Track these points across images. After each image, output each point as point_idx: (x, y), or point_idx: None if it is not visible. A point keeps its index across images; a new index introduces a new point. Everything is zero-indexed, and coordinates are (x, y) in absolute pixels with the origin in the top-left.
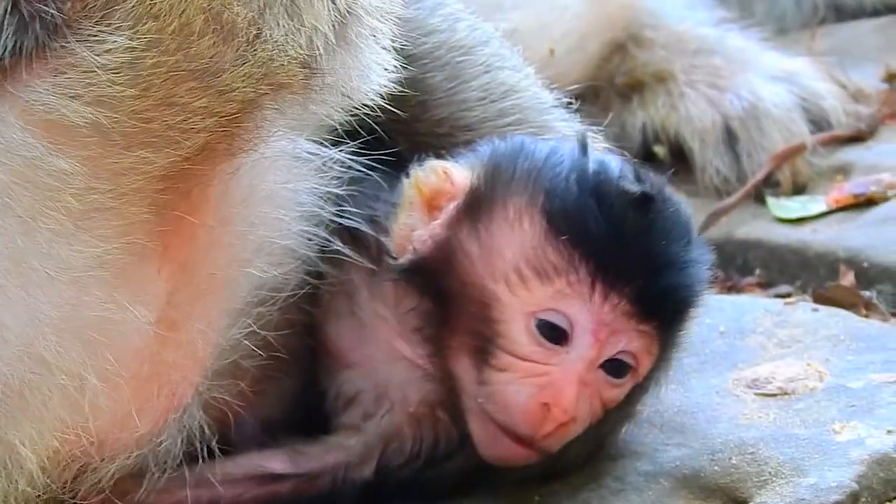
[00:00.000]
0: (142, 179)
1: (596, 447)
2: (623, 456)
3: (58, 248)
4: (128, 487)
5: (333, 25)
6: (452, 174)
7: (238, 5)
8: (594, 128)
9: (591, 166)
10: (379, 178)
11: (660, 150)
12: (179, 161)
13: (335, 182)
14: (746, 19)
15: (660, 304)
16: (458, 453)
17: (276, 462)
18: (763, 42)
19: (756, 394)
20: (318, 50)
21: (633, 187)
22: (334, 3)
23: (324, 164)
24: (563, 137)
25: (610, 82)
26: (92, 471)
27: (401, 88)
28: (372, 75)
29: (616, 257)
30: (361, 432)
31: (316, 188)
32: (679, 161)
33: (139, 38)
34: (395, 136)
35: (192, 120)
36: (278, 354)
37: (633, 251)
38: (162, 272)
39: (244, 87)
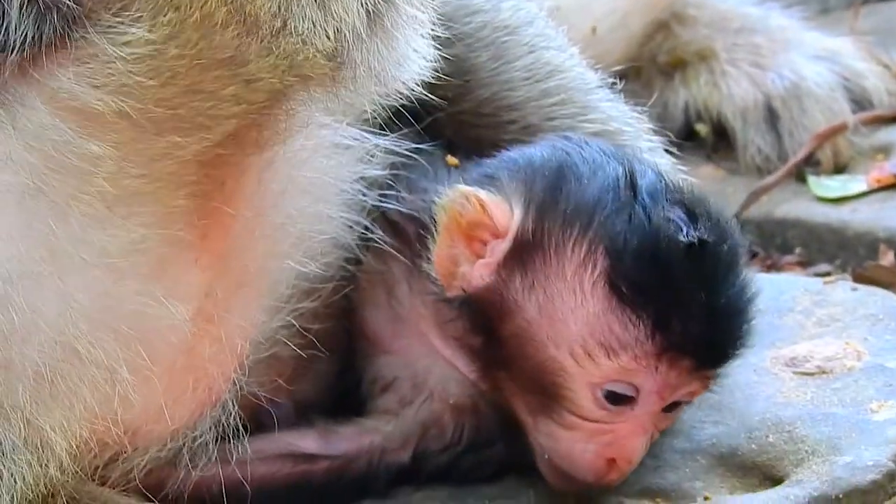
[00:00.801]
0: (175, 165)
1: None
2: (660, 433)
3: (93, 234)
4: (162, 475)
5: (367, 14)
6: (490, 208)
7: None
8: (637, 108)
9: (644, 214)
10: (423, 163)
11: (702, 128)
12: (211, 147)
13: (378, 168)
14: None
15: (720, 353)
16: (498, 441)
17: (308, 441)
18: (805, 21)
19: (794, 372)
20: (348, 41)
21: (688, 237)
22: None
23: (366, 152)
24: (607, 119)
25: (652, 61)
26: (124, 460)
27: (446, 69)
28: (410, 64)
29: (679, 320)
30: (399, 417)
31: (358, 176)
32: (721, 139)
33: (159, 30)
34: (438, 116)
35: (220, 107)
36: (316, 340)
37: (693, 308)
38: (199, 263)
39: (270, 78)
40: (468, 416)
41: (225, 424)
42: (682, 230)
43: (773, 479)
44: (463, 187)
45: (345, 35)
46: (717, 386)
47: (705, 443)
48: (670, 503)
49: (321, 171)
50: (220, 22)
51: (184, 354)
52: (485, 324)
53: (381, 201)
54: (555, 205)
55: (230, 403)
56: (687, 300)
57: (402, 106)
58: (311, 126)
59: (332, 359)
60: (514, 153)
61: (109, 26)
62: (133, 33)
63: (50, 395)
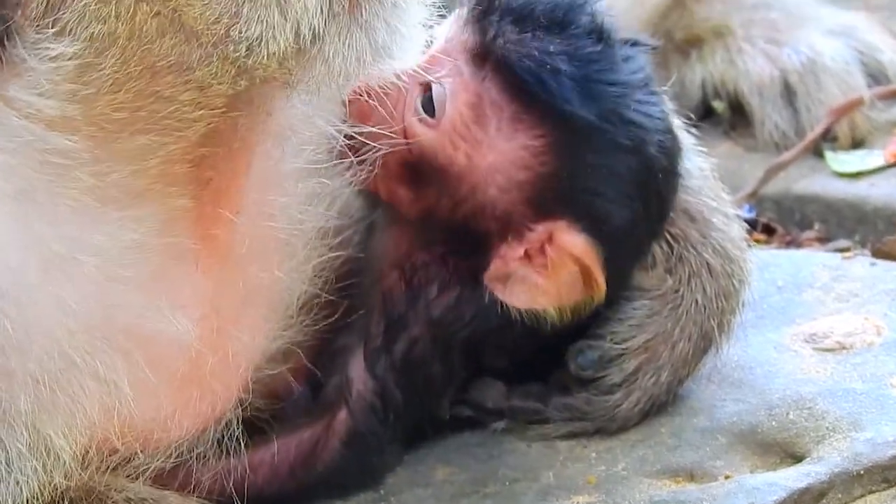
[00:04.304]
0: (161, 162)
1: (651, 402)
2: (680, 412)
3: (88, 235)
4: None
5: (330, 12)
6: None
7: (200, 6)
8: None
9: None
10: None
11: (719, 105)
12: (192, 147)
13: None
14: None
15: (494, 63)
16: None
17: (305, 412)
18: None
19: (814, 348)
20: (306, 42)
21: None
22: None
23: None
24: None
25: (669, 38)
26: (128, 465)
27: None
28: (394, 51)
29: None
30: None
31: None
32: (738, 116)
33: (85, 44)
34: None
35: (183, 111)
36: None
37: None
38: (202, 271)
39: (218, 84)
40: (386, 298)
41: (228, 442)
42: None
43: (793, 457)
44: None
45: (303, 36)
46: (736, 363)
47: (725, 421)
48: (691, 482)
49: (324, 166)
50: (154, 33)
51: (187, 366)
52: None
53: None
54: None
55: (234, 422)
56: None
57: None
58: (300, 121)
59: (349, 336)
60: None
61: (34, 43)
62: (57, 49)
63: (52, 404)
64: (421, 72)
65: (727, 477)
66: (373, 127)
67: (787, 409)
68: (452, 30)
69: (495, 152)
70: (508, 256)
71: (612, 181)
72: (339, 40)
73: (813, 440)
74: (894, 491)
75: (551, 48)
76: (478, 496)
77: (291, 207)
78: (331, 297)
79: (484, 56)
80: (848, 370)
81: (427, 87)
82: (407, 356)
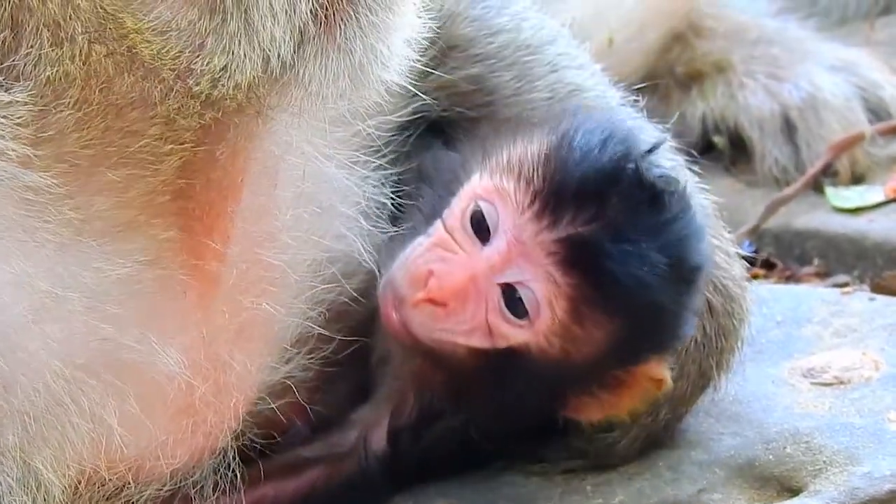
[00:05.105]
0: (141, 194)
1: (649, 439)
2: (678, 445)
3: (74, 269)
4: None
5: (300, 39)
6: None
7: (159, 42)
8: (658, 126)
9: (630, 137)
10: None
11: (719, 140)
12: (170, 178)
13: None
14: (809, 8)
15: (586, 265)
16: (449, 414)
17: (308, 450)
18: (822, 32)
19: (812, 383)
20: (276, 70)
21: (650, 172)
22: (311, 12)
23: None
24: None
25: (670, 73)
26: (124, 493)
27: (468, 86)
28: (370, 74)
29: (572, 199)
30: (377, 391)
31: (369, 186)
32: (739, 151)
33: (41, 90)
34: (459, 133)
35: (153, 145)
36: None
37: (589, 206)
38: (194, 304)
39: (182, 119)
40: (423, 385)
41: (224, 473)
42: (642, 160)
43: (790, 490)
44: None
45: (273, 65)
46: (734, 397)
47: (723, 454)
48: None
49: (324, 192)
50: (112, 72)
51: (178, 396)
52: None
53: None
54: None
55: (230, 453)
56: (591, 196)
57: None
58: (292, 146)
59: (351, 377)
60: None
61: None
62: (8, 97)
63: (41, 438)
64: (498, 273)
65: None
66: (445, 329)
67: (784, 443)
68: (511, 216)
69: (592, 343)
70: (586, 399)
71: (689, 317)
72: (315, 63)
73: (810, 474)
74: None
75: (633, 238)
76: None
77: (284, 237)
78: (329, 335)
79: (572, 262)
80: (846, 405)
81: (508, 287)
82: (436, 440)
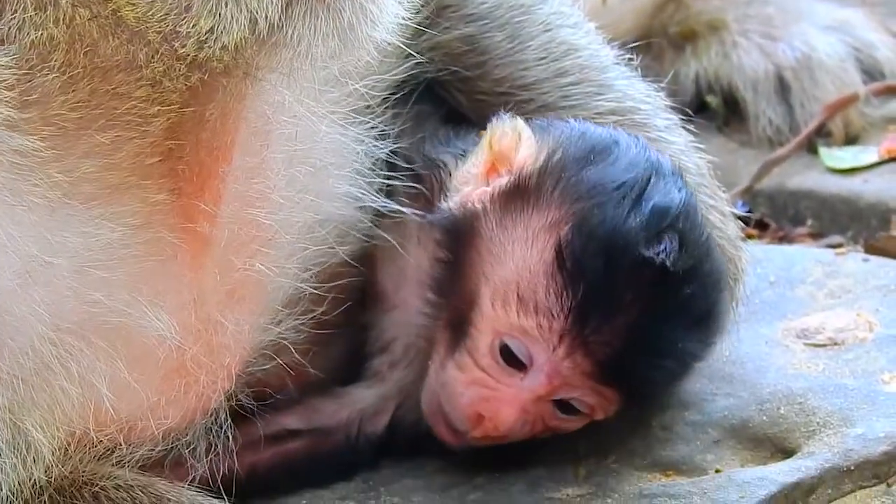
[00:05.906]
0: (130, 156)
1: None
2: (671, 405)
3: (64, 233)
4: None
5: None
6: (522, 145)
7: (145, 5)
8: (650, 82)
9: (628, 219)
10: (446, 128)
11: (713, 100)
12: (159, 140)
13: (381, 141)
14: None
15: (623, 378)
16: None
17: (291, 419)
18: None
19: (805, 344)
20: (263, 31)
21: (658, 258)
22: None
23: (370, 127)
24: (623, 97)
25: (663, 32)
26: (116, 454)
27: (461, 46)
28: (360, 33)
29: (598, 321)
30: (382, 382)
31: (363, 147)
32: (732, 111)
33: (25, 54)
34: (454, 93)
35: (140, 107)
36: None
37: (617, 320)
38: (186, 267)
39: (170, 81)
40: None
41: (216, 434)
42: (650, 249)
43: (784, 451)
44: (517, 121)
45: (260, 26)
46: (727, 358)
47: (716, 415)
48: (681, 476)
49: (318, 152)
50: (96, 36)
51: (169, 357)
52: (451, 247)
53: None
54: (567, 170)
55: (223, 414)
56: (616, 310)
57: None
58: (283, 106)
59: (343, 341)
60: (581, 122)
61: None
62: None
63: (31, 401)
64: (545, 398)
65: (717, 471)
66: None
67: (778, 404)
68: (542, 353)
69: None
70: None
71: None
72: (303, 23)
73: (804, 435)
74: (884, 487)
75: (666, 344)
76: (468, 486)
77: (276, 198)
78: (322, 294)
79: (611, 378)
80: (839, 366)
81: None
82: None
